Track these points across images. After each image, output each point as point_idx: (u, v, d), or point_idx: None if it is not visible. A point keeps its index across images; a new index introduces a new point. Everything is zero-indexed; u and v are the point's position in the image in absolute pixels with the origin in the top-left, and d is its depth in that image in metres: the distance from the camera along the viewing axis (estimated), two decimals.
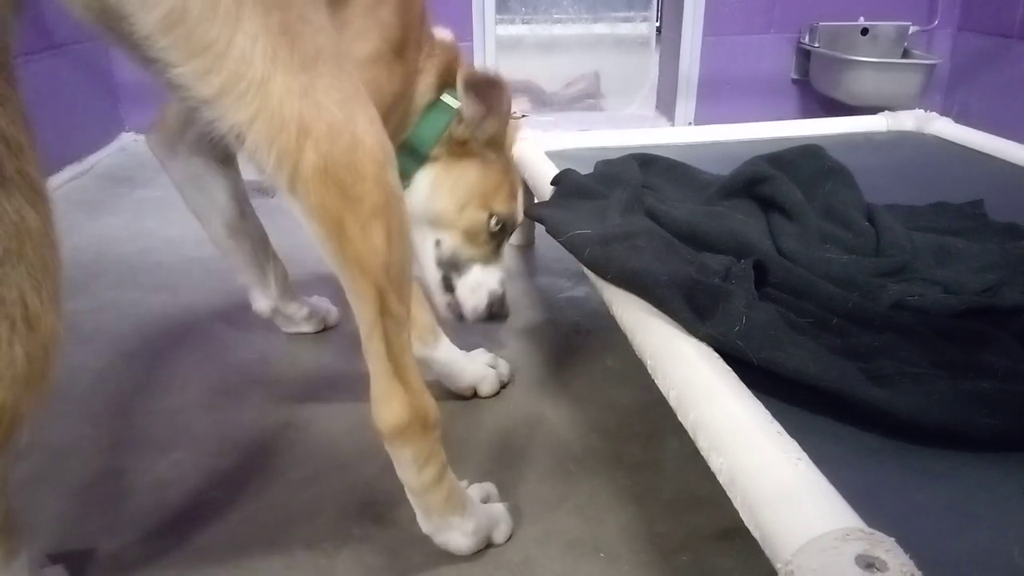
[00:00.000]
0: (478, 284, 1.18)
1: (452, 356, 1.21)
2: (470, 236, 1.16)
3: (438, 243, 1.17)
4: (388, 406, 0.78)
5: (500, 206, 1.17)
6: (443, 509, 0.86)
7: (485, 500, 0.96)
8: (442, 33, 1.17)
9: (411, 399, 0.79)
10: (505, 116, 1.14)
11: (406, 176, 1.11)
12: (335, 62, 0.67)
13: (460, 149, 1.14)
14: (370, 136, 0.69)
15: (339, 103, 0.66)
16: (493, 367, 1.25)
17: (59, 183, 2.19)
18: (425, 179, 1.14)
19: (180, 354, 1.33)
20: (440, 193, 1.14)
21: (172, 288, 1.59)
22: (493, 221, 1.16)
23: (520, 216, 1.23)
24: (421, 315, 1.16)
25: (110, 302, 1.52)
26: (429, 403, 0.81)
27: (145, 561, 0.90)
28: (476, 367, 1.23)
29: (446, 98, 1.14)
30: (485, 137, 1.14)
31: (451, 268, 1.18)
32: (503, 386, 1.26)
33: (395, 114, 1.08)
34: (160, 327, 1.43)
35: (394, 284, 0.73)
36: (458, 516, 0.88)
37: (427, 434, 0.81)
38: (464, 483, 0.94)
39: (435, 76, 1.13)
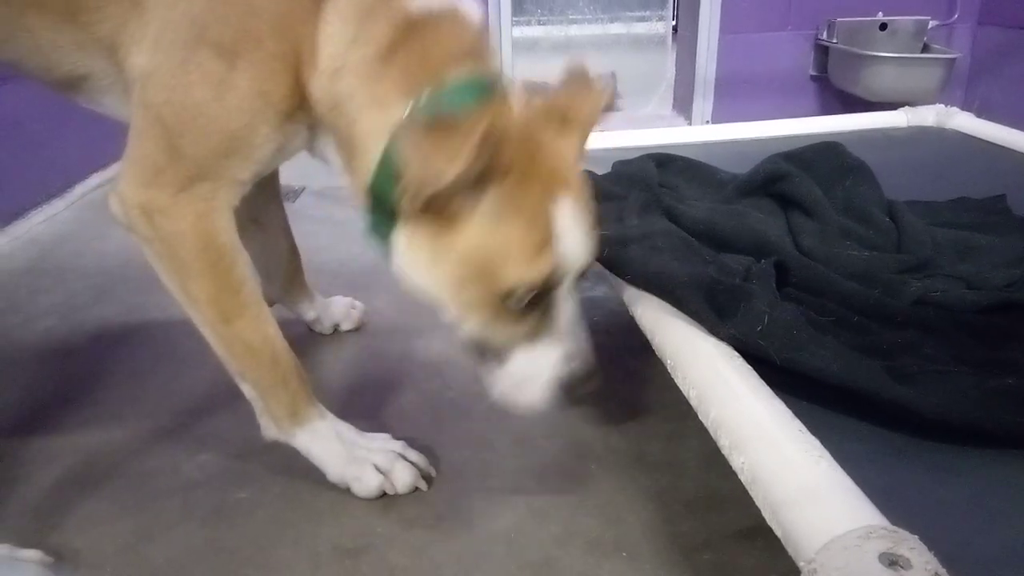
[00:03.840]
0: (523, 377, 0.85)
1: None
2: (491, 318, 0.83)
3: (455, 326, 0.87)
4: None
5: (520, 272, 0.78)
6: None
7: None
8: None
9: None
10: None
11: (381, 237, 0.86)
12: None
13: (434, 208, 0.77)
14: None
15: None
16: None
17: (86, 190, 2.22)
18: (399, 246, 0.84)
19: (206, 356, 1.34)
20: (419, 270, 0.84)
21: (180, 303, 1.60)
22: (516, 298, 0.80)
23: (576, 259, 0.82)
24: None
25: (137, 306, 1.54)
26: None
27: (175, 562, 0.92)
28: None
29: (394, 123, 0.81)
30: (463, 185, 0.74)
31: (485, 355, 0.87)
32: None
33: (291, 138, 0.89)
34: (186, 330, 1.43)
35: None
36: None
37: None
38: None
39: (401, 75, 0.82)
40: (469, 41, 0.85)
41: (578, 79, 0.90)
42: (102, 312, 1.52)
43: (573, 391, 0.85)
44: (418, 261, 0.83)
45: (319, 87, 0.85)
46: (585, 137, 0.87)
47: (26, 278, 1.69)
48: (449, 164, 0.70)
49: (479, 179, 0.74)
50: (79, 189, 2.21)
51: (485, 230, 0.78)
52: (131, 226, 0.89)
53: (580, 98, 0.87)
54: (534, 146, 0.79)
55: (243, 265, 0.93)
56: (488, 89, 0.82)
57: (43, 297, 1.59)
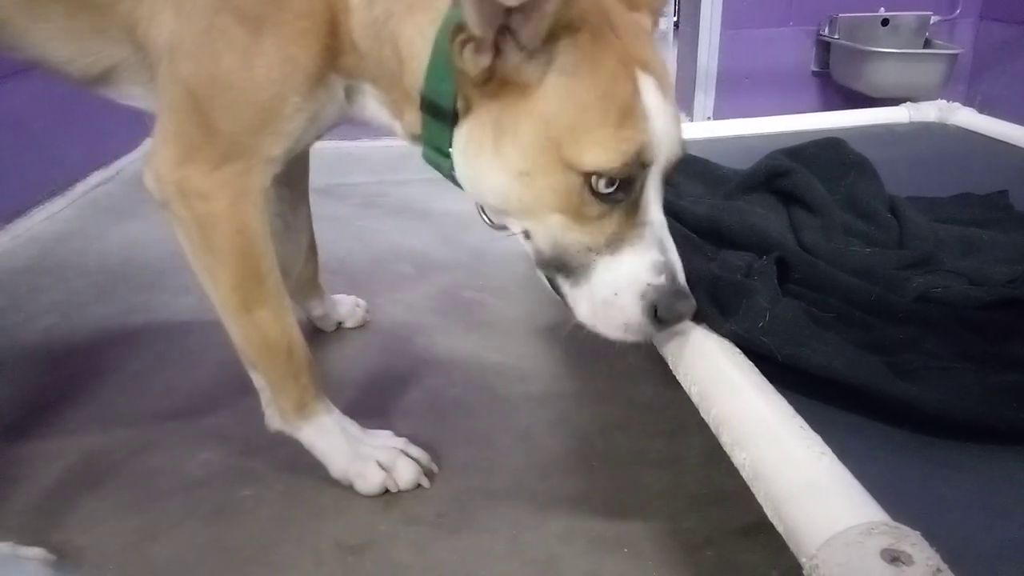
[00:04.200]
0: (609, 296, 0.75)
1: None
2: (568, 214, 0.74)
3: (527, 235, 0.79)
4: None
5: (598, 150, 0.69)
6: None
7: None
8: None
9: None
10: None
11: (441, 150, 0.81)
12: None
13: (496, 83, 0.72)
14: None
15: None
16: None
17: (87, 188, 2.23)
18: (460, 148, 0.78)
19: (208, 355, 1.34)
20: (480, 162, 0.76)
21: (199, 291, 1.60)
22: (595, 181, 0.71)
23: (667, 142, 0.73)
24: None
25: (139, 305, 1.55)
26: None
27: (178, 560, 0.92)
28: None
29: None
30: (531, 43, 0.68)
31: (563, 270, 0.78)
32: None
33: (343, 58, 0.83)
34: (187, 329, 1.45)
35: None
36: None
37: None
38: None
39: None
40: None
41: None
42: (103, 310, 1.53)
43: (666, 310, 0.74)
44: (483, 155, 0.75)
45: (358, 25, 0.81)
46: (656, 15, 0.81)
47: (27, 276, 1.69)
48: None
49: (550, 34, 0.67)
50: (80, 187, 2.21)
51: (562, 91, 0.69)
52: (166, 203, 0.88)
53: None
54: (609, 17, 0.72)
55: (270, 255, 0.93)
56: None
57: (44, 295, 1.59)
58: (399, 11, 0.79)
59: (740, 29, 2.88)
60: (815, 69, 2.97)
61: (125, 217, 2.03)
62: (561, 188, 0.72)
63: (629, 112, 0.69)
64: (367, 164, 2.37)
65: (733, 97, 2.94)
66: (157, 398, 1.24)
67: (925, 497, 0.68)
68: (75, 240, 1.89)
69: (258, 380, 1.01)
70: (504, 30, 0.68)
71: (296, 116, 0.85)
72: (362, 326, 1.46)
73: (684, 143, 0.77)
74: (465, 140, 0.77)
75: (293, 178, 1.24)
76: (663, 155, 0.73)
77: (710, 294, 0.89)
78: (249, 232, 0.89)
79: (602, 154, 0.69)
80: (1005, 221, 1.25)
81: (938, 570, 0.53)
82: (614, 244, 0.74)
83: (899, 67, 2.68)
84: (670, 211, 1.17)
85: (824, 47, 2.92)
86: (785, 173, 1.26)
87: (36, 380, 1.30)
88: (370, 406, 1.20)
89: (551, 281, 0.80)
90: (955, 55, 2.68)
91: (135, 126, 2.69)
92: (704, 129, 1.99)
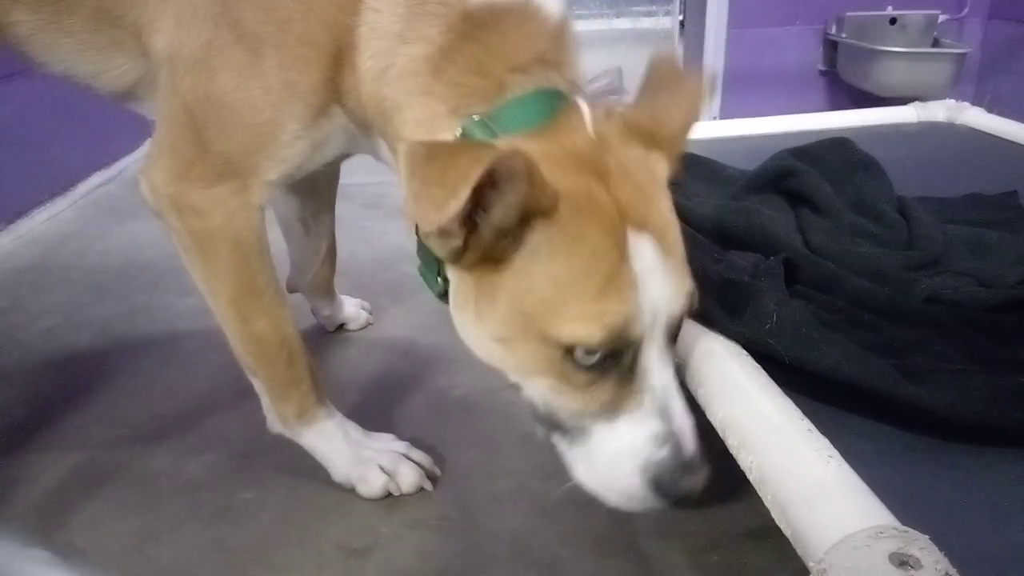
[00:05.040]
0: (607, 466, 0.69)
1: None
2: (555, 379, 0.68)
3: (517, 387, 0.74)
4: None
5: (578, 322, 0.64)
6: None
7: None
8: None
9: None
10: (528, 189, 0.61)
11: (430, 280, 0.77)
12: None
13: (472, 255, 0.66)
14: None
15: None
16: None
17: (88, 189, 2.23)
18: (451, 295, 0.74)
19: (210, 356, 1.34)
20: (464, 318, 0.72)
21: (200, 291, 1.60)
22: (578, 353, 0.65)
23: (665, 303, 0.67)
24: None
25: (140, 306, 1.54)
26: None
27: (180, 562, 0.92)
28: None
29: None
30: (502, 224, 0.63)
31: (559, 429, 0.72)
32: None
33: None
34: (189, 330, 1.45)
35: None
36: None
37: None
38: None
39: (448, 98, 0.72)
40: (540, 42, 0.71)
41: (667, 77, 0.76)
42: (105, 311, 1.52)
43: (669, 486, 0.67)
44: (466, 312, 0.71)
45: (364, 88, 0.75)
46: (676, 154, 0.72)
47: (29, 276, 1.69)
48: (436, 210, 0.57)
49: (523, 216, 0.62)
50: (82, 188, 2.22)
51: (532, 272, 0.64)
52: (160, 215, 0.87)
53: (668, 106, 0.72)
54: (607, 171, 0.66)
55: (268, 269, 0.91)
56: (555, 104, 0.70)
57: (46, 296, 1.59)
58: (407, 117, 0.73)
59: (746, 28, 2.87)
60: (822, 68, 2.96)
61: (127, 218, 2.03)
62: (542, 356, 0.66)
63: (612, 283, 0.63)
64: (371, 165, 2.36)
65: (739, 97, 2.92)
66: (159, 400, 1.24)
67: (933, 500, 0.67)
68: (77, 241, 1.89)
69: (259, 385, 1.00)
70: (477, 208, 0.62)
71: (295, 143, 0.81)
72: (364, 328, 1.46)
73: (692, 295, 0.69)
74: (453, 286, 0.73)
75: (320, 188, 1.24)
76: (661, 318, 0.66)
77: (717, 296, 0.88)
78: (245, 248, 0.87)
79: (580, 328, 0.63)
80: (1014, 222, 1.23)
81: (946, 574, 0.52)
82: (610, 411, 0.67)
83: (907, 66, 2.67)
84: (677, 211, 1.17)
85: (831, 46, 2.90)
86: (792, 173, 1.25)
87: (38, 381, 1.30)
88: (373, 408, 1.19)
89: (548, 437, 0.73)
90: (963, 54, 2.67)
91: (136, 127, 2.70)
92: (710, 129, 1.98)
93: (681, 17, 3.40)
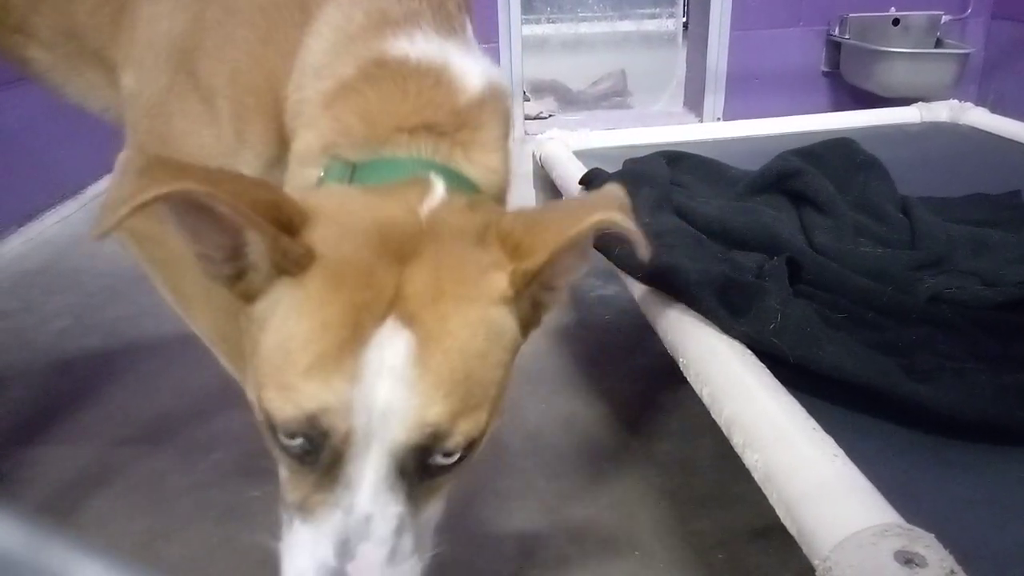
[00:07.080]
0: (287, 558, 0.60)
1: None
2: (274, 450, 0.61)
3: None
4: None
5: (271, 394, 0.55)
6: None
7: None
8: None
9: None
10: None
11: None
12: None
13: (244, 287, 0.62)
14: None
15: None
16: None
17: (98, 192, 2.24)
18: None
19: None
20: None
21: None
22: (279, 429, 0.56)
23: (384, 418, 0.54)
24: None
25: (150, 308, 1.55)
26: None
27: (190, 560, 0.92)
28: None
29: None
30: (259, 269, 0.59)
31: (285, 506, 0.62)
32: None
33: None
34: None
35: None
36: None
37: None
38: None
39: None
40: (439, 112, 0.68)
41: (591, 199, 0.69)
42: (116, 312, 1.53)
43: None
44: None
45: (287, 123, 0.72)
46: (528, 272, 0.59)
47: (40, 279, 1.70)
48: (110, 214, 0.52)
49: (277, 268, 0.56)
50: (91, 191, 2.23)
51: (267, 325, 0.57)
52: (121, 242, 0.86)
53: (551, 222, 0.61)
54: (411, 256, 0.58)
55: None
56: (413, 176, 0.65)
57: (57, 298, 1.60)
58: (296, 145, 0.71)
59: (750, 30, 2.88)
60: (825, 69, 2.96)
61: None
62: (263, 423, 0.58)
63: (325, 364, 0.54)
64: None
65: (743, 98, 2.93)
66: (168, 399, 1.25)
67: (938, 498, 0.67)
68: (87, 243, 1.90)
69: None
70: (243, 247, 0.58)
71: None
72: None
73: (438, 427, 0.55)
74: None
75: None
76: (383, 435, 0.54)
77: (721, 296, 0.88)
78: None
79: (275, 399, 0.55)
80: (1017, 221, 1.24)
81: (952, 571, 0.53)
82: (301, 511, 0.58)
83: (910, 67, 2.67)
84: (681, 212, 1.18)
85: (834, 47, 2.91)
86: (795, 174, 1.25)
87: (49, 382, 1.31)
88: None
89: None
90: (966, 55, 2.67)
91: None
92: (714, 130, 1.99)
93: (685, 19, 3.41)
